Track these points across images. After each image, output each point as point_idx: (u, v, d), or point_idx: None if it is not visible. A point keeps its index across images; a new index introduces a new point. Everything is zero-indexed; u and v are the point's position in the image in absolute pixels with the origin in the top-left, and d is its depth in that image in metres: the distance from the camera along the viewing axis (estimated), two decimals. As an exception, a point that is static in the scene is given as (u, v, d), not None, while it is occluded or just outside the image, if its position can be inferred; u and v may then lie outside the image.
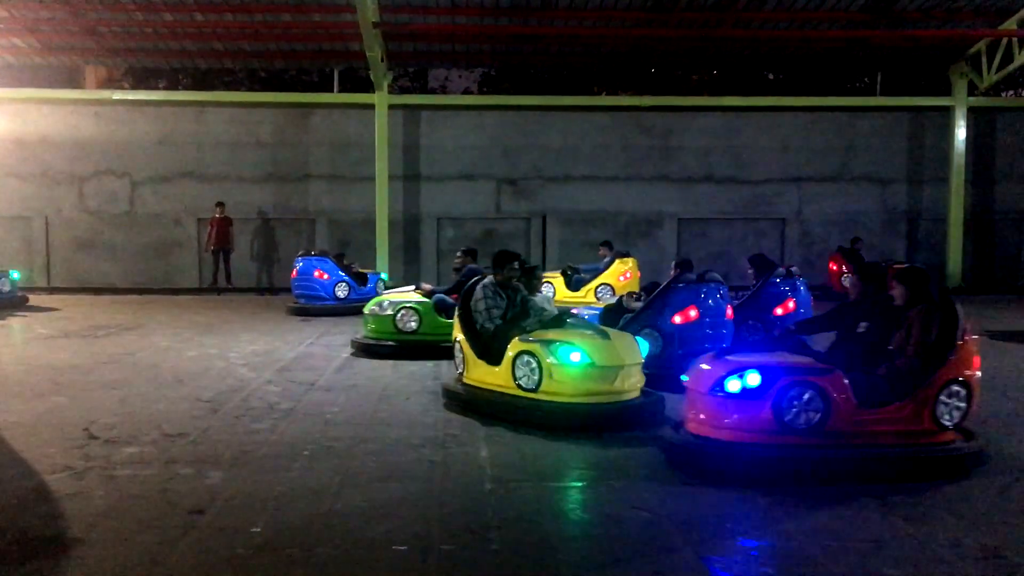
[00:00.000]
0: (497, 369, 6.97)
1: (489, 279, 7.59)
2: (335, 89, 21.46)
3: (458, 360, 7.53)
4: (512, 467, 5.57)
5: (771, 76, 27.49)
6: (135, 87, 24.61)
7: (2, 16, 17.57)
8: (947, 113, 20.45)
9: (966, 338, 5.54)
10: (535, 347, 6.66)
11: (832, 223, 20.91)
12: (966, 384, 5.45)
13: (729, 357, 5.56)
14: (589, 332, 6.86)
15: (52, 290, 18.81)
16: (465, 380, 7.34)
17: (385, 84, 19.39)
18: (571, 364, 6.49)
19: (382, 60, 18.70)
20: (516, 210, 20.75)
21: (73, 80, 22.09)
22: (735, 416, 5.30)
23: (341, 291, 14.97)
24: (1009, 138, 21.04)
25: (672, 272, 9.09)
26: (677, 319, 8.40)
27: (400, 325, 10.27)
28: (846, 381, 5.26)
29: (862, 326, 5.94)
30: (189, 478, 5.28)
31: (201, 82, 24.80)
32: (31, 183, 19.91)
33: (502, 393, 6.89)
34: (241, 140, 20.25)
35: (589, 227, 20.67)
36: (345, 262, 15.58)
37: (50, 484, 5.13)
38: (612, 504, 4.89)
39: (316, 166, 20.40)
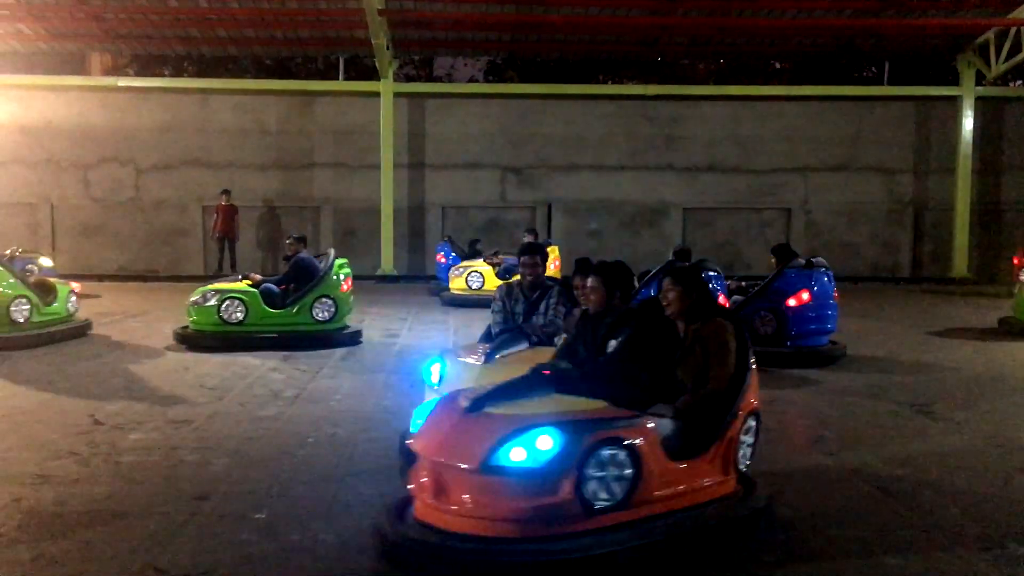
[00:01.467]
0: None
1: (515, 279, 6.58)
2: (340, 77, 21.42)
3: None
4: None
5: (777, 65, 27.37)
6: (140, 74, 24.61)
7: (8, 2, 17.56)
8: (954, 103, 20.36)
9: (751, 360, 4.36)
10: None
11: (838, 213, 20.86)
12: (758, 416, 4.37)
13: (493, 409, 3.80)
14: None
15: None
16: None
17: (390, 72, 19.36)
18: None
19: (387, 48, 18.67)
20: (521, 199, 20.72)
21: (78, 67, 22.07)
22: (520, 502, 3.52)
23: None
24: (1017, 128, 20.94)
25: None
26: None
27: (225, 316, 9.80)
28: (654, 429, 3.78)
29: (612, 344, 4.45)
30: (193, 464, 5.30)
31: (206, 69, 24.77)
32: (36, 170, 19.93)
33: None
34: (246, 127, 20.24)
35: (594, 216, 20.66)
36: (478, 248, 16.02)
37: (55, 470, 5.15)
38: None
39: (321, 154, 20.39)
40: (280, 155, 20.35)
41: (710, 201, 20.83)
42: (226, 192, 18.76)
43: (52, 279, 11.18)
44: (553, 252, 14.74)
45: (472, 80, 28.27)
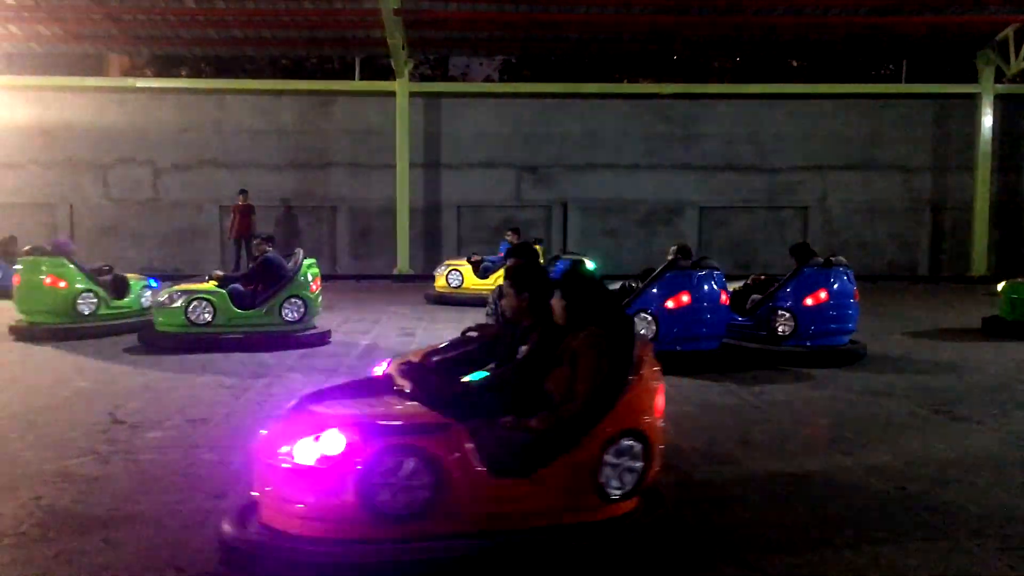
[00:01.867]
0: None
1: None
2: (356, 77, 21.47)
3: None
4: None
5: (794, 63, 27.23)
6: (158, 75, 24.72)
7: (27, 3, 17.69)
8: (973, 100, 20.21)
9: (643, 372, 3.96)
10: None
11: (856, 211, 20.75)
12: (642, 436, 3.83)
13: (315, 406, 3.80)
14: None
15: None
16: None
17: (406, 72, 19.40)
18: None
19: (403, 48, 18.70)
20: (537, 198, 20.72)
21: (96, 68, 22.22)
22: (311, 499, 3.52)
23: None
24: (1037, 126, 20.77)
25: (669, 257, 8.88)
26: (670, 304, 8.49)
27: (192, 317, 9.60)
28: (469, 442, 3.57)
29: (521, 351, 4.23)
30: (211, 463, 5.33)
31: (223, 70, 24.89)
32: (55, 170, 20.08)
33: None
34: (262, 128, 20.32)
35: (610, 215, 20.63)
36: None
37: (75, 468, 5.20)
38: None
39: (337, 154, 20.45)
40: (296, 155, 20.42)
41: (727, 200, 20.76)
42: (243, 192, 18.82)
43: (131, 275, 11.82)
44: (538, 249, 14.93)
45: (487, 79, 28.27)
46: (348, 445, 3.47)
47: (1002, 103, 20.38)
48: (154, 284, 11.76)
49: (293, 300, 10.01)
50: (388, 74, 19.99)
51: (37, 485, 4.87)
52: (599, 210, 20.65)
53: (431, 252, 20.38)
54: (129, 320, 10.96)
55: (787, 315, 9.05)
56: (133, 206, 20.28)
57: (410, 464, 3.47)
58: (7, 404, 6.94)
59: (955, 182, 20.73)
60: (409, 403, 3.81)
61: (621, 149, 20.62)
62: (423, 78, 25.49)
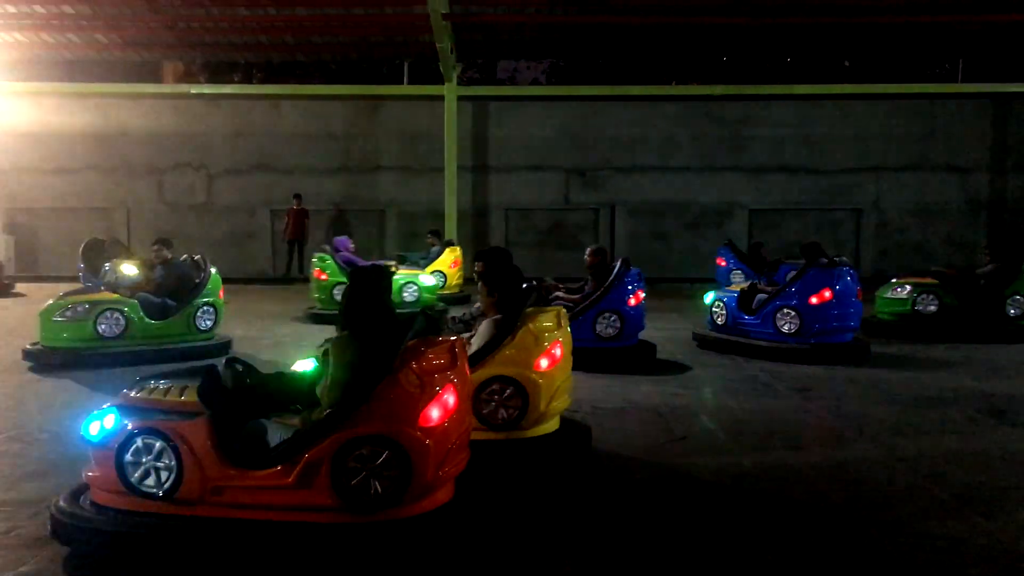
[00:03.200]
0: None
1: None
2: (405, 81, 21.64)
3: None
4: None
5: (847, 63, 26.84)
6: (211, 81, 25.16)
7: (85, 12, 18.12)
8: (1033, 99, 19.74)
9: (408, 375, 3.86)
10: None
11: (911, 213, 20.37)
12: (396, 446, 3.77)
13: (130, 391, 4.20)
14: None
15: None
16: None
17: (454, 76, 19.51)
18: None
19: (451, 52, 18.81)
20: (585, 201, 20.68)
21: (152, 75, 22.69)
22: (97, 472, 3.98)
23: (735, 278, 14.11)
24: (1100, 125, 20.20)
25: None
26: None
27: (103, 331, 8.82)
28: (209, 430, 3.85)
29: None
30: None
31: (274, 76, 25.24)
32: (112, 176, 20.54)
33: None
34: (313, 132, 20.58)
35: (659, 218, 20.52)
36: (761, 251, 15.08)
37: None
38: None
39: (386, 157, 20.62)
40: (346, 159, 20.64)
41: (778, 202, 20.52)
42: (297, 197, 19.06)
43: None
44: (455, 252, 15.34)
45: (535, 82, 28.32)
46: (115, 424, 3.94)
47: (1063, 102, 19.87)
48: None
49: (206, 307, 9.50)
50: (437, 78, 20.13)
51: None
52: (648, 213, 20.54)
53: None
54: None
55: (792, 313, 9.31)
56: (187, 210, 20.66)
57: (155, 445, 3.85)
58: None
59: (1013, 183, 20.26)
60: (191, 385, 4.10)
61: (669, 151, 20.50)
62: (471, 82, 25.60)
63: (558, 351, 5.30)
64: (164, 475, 3.85)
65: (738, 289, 10.13)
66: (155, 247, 9.56)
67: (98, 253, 11.15)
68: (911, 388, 7.86)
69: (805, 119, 20.41)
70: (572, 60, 26.25)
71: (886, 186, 20.43)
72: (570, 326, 5.79)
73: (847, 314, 9.36)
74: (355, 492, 3.76)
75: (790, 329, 9.30)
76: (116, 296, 9.05)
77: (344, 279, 11.70)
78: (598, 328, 8.79)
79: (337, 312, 4.20)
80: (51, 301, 9.04)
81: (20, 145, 20.12)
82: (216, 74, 26.20)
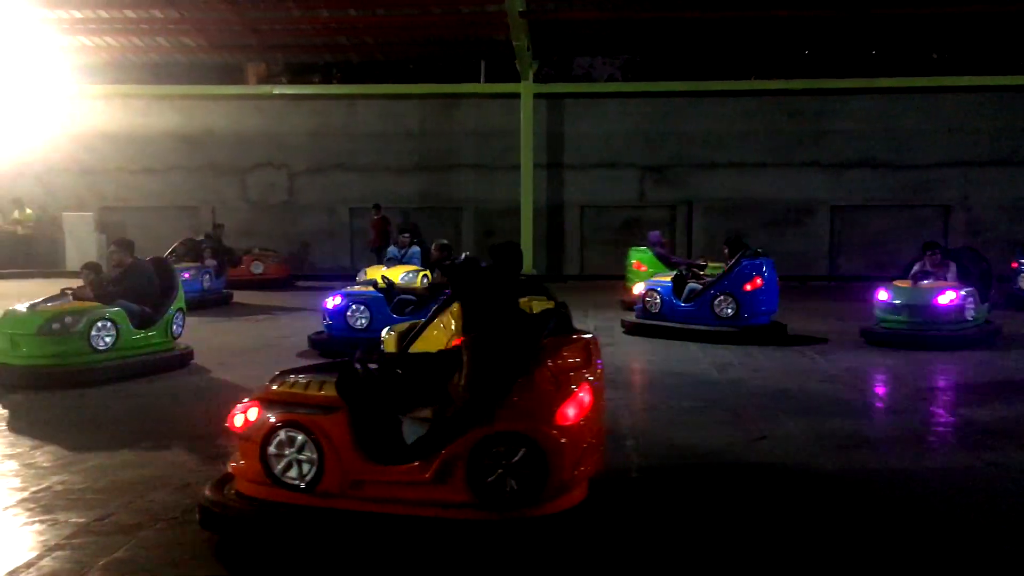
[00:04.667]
0: None
1: None
2: (481, 79, 21.71)
3: None
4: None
5: (933, 55, 25.98)
6: (292, 82, 25.63)
7: (173, 16, 18.66)
8: None
9: (544, 373, 3.88)
10: None
11: (1001, 209, 19.61)
12: (533, 444, 3.75)
13: (273, 384, 4.27)
14: None
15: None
16: None
17: (531, 73, 19.52)
18: None
19: (528, 49, 18.81)
20: (660, 198, 20.47)
21: (235, 76, 23.21)
22: (242, 463, 4.09)
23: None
24: None
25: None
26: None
27: (94, 343, 8.03)
28: (348, 424, 3.92)
29: None
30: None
31: (352, 76, 25.59)
32: (197, 175, 21.11)
33: None
34: (390, 131, 20.81)
35: (736, 215, 20.15)
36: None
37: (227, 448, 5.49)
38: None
39: (462, 155, 20.74)
40: (423, 157, 20.82)
41: (860, 199, 19.98)
42: (377, 207, 19.08)
43: None
44: None
45: (610, 78, 28.11)
46: (257, 416, 4.03)
47: None
48: None
49: (179, 313, 8.99)
50: (512, 76, 20.16)
51: (192, 462, 5.20)
52: (725, 210, 20.21)
53: (554, 253, 20.42)
54: None
55: (730, 299, 10.57)
56: (269, 209, 21.10)
57: (297, 438, 3.92)
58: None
59: (1112, 177, 19.34)
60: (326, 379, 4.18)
61: (747, 147, 20.13)
62: (546, 78, 25.57)
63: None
64: (306, 468, 3.92)
65: (670, 279, 11.30)
66: (111, 249, 8.92)
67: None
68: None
69: (889, 113, 19.82)
70: (648, 56, 25.99)
71: (975, 182, 19.71)
72: None
73: (771, 300, 10.78)
74: (491, 489, 3.76)
75: (727, 314, 10.53)
76: (96, 304, 8.20)
77: (664, 271, 12.86)
78: None
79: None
80: (19, 313, 8.05)
81: (109, 146, 20.80)
82: (297, 75, 26.66)
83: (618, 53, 23.65)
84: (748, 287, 10.55)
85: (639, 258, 14.03)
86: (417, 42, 20.18)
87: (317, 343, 9.63)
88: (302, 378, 4.23)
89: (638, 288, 11.84)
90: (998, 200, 19.62)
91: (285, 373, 4.38)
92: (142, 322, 8.50)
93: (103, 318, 8.11)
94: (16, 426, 6.38)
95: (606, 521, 4.19)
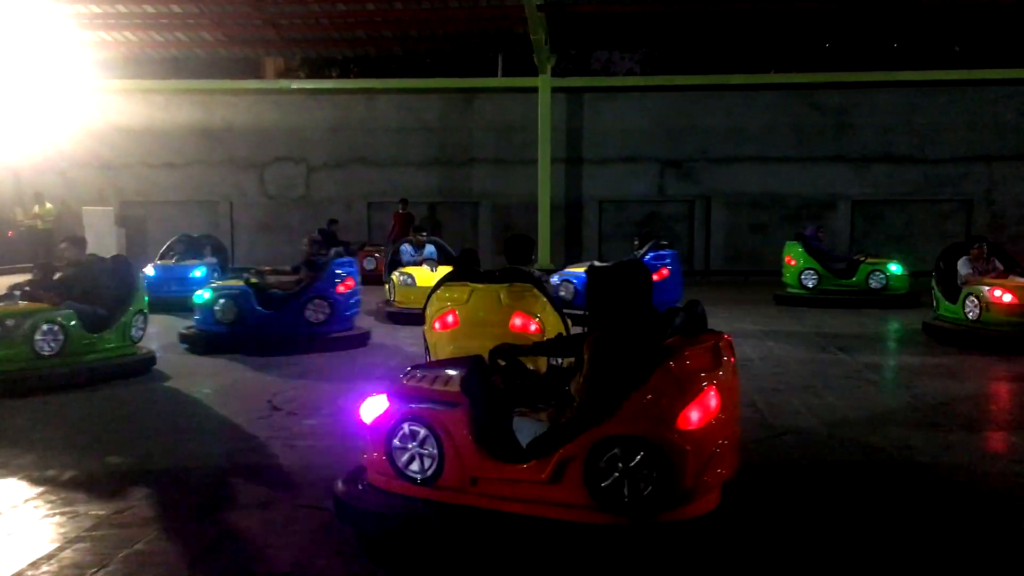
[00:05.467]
0: None
1: (533, 269, 6.77)
2: (499, 73, 21.65)
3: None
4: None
5: (956, 48, 25.72)
6: (310, 76, 25.70)
7: (192, 11, 18.72)
8: None
9: (666, 374, 3.62)
10: None
11: (1026, 205, 19.39)
12: (652, 447, 3.56)
13: (403, 377, 4.27)
14: None
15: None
16: None
17: (548, 67, 19.44)
18: None
19: (545, 43, 18.74)
20: (680, 192, 20.35)
21: (254, 71, 23.29)
22: (372, 454, 4.09)
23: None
24: None
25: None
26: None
27: (38, 348, 7.44)
28: (469, 420, 3.86)
29: None
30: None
31: (370, 70, 25.61)
32: (218, 169, 21.16)
33: None
34: (408, 125, 20.79)
35: (756, 210, 20.02)
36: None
37: (238, 452, 5.48)
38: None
39: (480, 150, 20.69)
40: (441, 152, 20.79)
41: (883, 193, 19.79)
42: (403, 201, 19.05)
43: None
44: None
45: (629, 72, 28.02)
46: (385, 409, 4.02)
47: None
48: None
49: (139, 315, 8.41)
50: (530, 70, 20.09)
51: (203, 466, 5.17)
52: (745, 205, 20.07)
53: (572, 247, 20.35)
54: None
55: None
56: (287, 203, 21.14)
57: (420, 432, 3.89)
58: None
59: None
60: (453, 373, 4.12)
61: (768, 141, 19.98)
62: (563, 72, 25.48)
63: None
64: (427, 462, 3.89)
65: (584, 270, 11.47)
66: (62, 246, 8.35)
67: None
68: None
69: (912, 107, 19.61)
70: (667, 49, 25.87)
71: (999, 176, 19.48)
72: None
73: (676, 289, 11.75)
74: (608, 492, 3.61)
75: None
76: (42, 306, 7.62)
77: (814, 265, 13.69)
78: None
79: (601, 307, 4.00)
80: None
81: (129, 141, 20.89)
82: (315, 69, 26.73)
83: (637, 47, 23.55)
84: (655, 277, 10.76)
85: (790, 252, 14.20)
86: (435, 36, 20.14)
87: (186, 338, 9.52)
88: (431, 372, 4.23)
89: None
90: (1021, 195, 19.38)
91: (417, 367, 4.38)
92: (95, 325, 7.88)
93: (49, 321, 7.48)
94: None
95: (740, 528, 3.97)
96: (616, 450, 3.59)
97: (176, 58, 21.61)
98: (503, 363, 4.22)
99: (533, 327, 5.63)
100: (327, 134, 20.96)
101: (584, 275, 11.12)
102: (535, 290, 5.79)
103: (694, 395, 3.64)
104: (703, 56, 25.76)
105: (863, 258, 14.03)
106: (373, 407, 4.08)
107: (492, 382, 4.08)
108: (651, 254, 11.89)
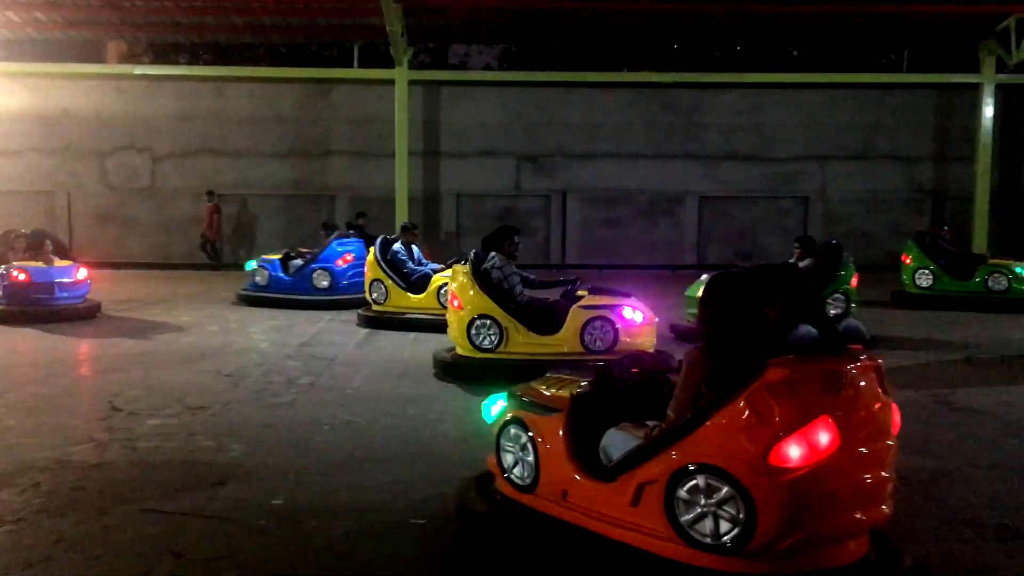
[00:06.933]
0: (556, 337, 7.49)
1: (496, 255, 7.69)
2: (355, 64, 21.37)
3: (487, 337, 7.49)
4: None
5: (796, 52, 27.13)
6: (156, 62, 24.62)
7: (26, -10, 17.60)
8: (975, 90, 20.11)
9: (759, 397, 3.08)
10: (604, 312, 7.50)
11: (857, 202, 20.69)
12: (730, 480, 3.08)
13: (550, 376, 4.25)
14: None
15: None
16: (508, 350, 7.48)
17: (405, 60, 19.30)
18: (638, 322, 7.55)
19: (402, 35, 18.60)
20: (536, 187, 20.66)
21: (95, 55, 22.12)
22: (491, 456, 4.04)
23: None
24: (1038, 116, 20.68)
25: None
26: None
27: None
28: (564, 429, 3.68)
29: None
30: (210, 451, 5.30)
31: (221, 57, 24.78)
32: (54, 158, 20.00)
33: (565, 358, 7.30)
34: (261, 116, 20.26)
35: (611, 205, 20.57)
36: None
37: (74, 455, 5.18)
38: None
39: (336, 142, 20.39)
40: (296, 143, 20.36)
41: (729, 190, 20.71)
42: (210, 193, 18.94)
43: None
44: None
45: (487, 67, 28.16)
46: (499, 410, 4.02)
47: (1003, 93, 20.29)
48: None
49: None
50: (387, 62, 19.91)
51: (36, 472, 4.85)
52: (599, 200, 20.58)
53: (430, 240, 20.31)
54: None
55: (326, 273, 12.45)
56: (131, 194, 20.22)
57: (521, 436, 3.80)
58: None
59: (956, 172, 20.67)
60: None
61: (622, 138, 20.55)
62: (422, 66, 25.38)
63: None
64: (527, 469, 3.76)
65: (277, 257, 12.92)
66: None
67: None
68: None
69: (755, 107, 20.60)
70: (525, 45, 26.17)
71: (833, 175, 20.73)
72: None
73: (359, 274, 11.94)
74: (687, 526, 3.18)
75: (323, 286, 12.42)
76: None
77: (928, 265, 13.11)
78: None
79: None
80: None
81: (-45, 126, 19.50)
82: (161, 55, 25.62)
83: (494, 42, 23.70)
84: (340, 263, 12.57)
85: (906, 250, 13.64)
86: (289, 24, 19.63)
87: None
88: (561, 377, 4.11)
89: None
90: (853, 192, 20.68)
91: (554, 374, 4.30)
92: None
93: None
94: None
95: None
96: (698, 480, 3.15)
97: (9, 40, 20.23)
98: (636, 371, 3.89)
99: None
100: (174, 123, 20.15)
101: (279, 261, 12.78)
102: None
103: (795, 427, 3.04)
104: (561, 53, 26.18)
105: (989, 256, 13.45)
106: (494, 407, 4.07)
107: (612, 393, 3.83)
108: (336, 240, 12.82)
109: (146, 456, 5.18)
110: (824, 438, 3.02)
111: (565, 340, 7.45)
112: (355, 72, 20.85)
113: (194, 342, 9.39)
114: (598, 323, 7.46)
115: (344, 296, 12.33)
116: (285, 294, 12.42)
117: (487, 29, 20.47)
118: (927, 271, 13.14)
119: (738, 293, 3.40)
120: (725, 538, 3.10)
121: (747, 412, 3.08)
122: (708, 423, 3.16)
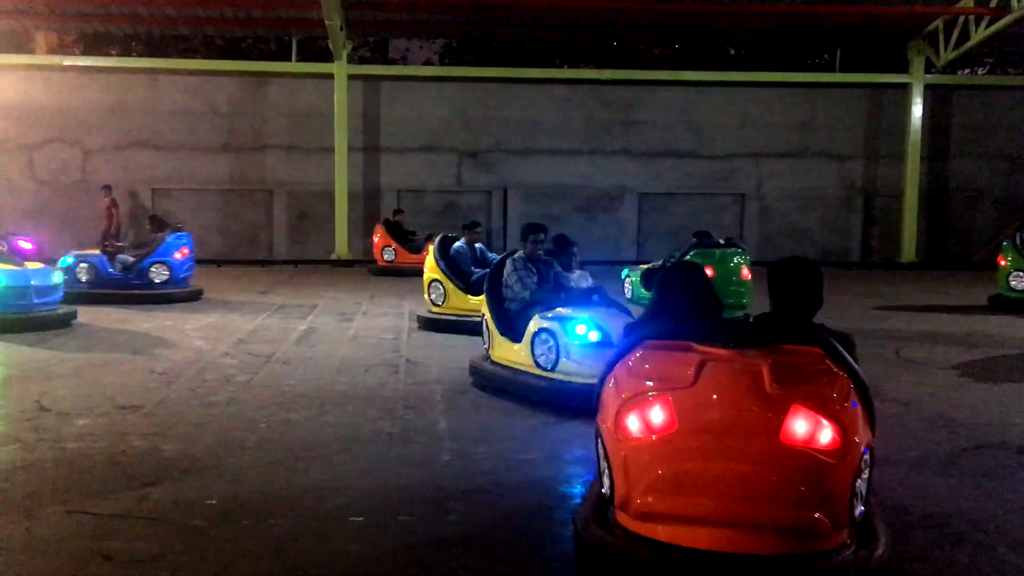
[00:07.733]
0: (517, 347, 6.72)
1: (519, 253, 7.32)
2: (293, 58, 21.11)
3: (485, 337, 7.26)
4: (471, 439, 5.53)
5: (732, 51, 27.54)
6: (86, 53, 24.00)
7: (-54, -23, 17.01)
8: (904, 90, 20.68)
9: (622, 371, 3.48)
10: (553, 324, 6.37)
11: (791, 199, 21.13)
12: (599, 440, 3.54)
13: None
14: (613, 311, 6.63)
15: None
16: (492, 358, 7.08)
17: (344, 54, 19.14)
18: (587, 343, 6.19)
19: (341, 29, 18.42)
20: (477, 183, 20.66)
21: (22, 45, 21.48)
22: None
23: None
24: (964, 115, 21.33)
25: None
26: None
27: None
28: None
29: None
30: (142, 450, 5.18)
31: (155, 49, 24.26)
32: (-23, 151, 19.39)
33: (522, 372, 6.60)
34: (196, 109, 19.89)
35: (550, 200, 20.67)
36: None
37: (-2, 457, 5.03)
38: (567, 480, 4.89)
39: (274, 136, 20.12)
40: (231, 137, 20.04)
41: (666, 186, 20.95)
42: (107, 187, 18.57)
43: None
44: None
45: (427, 63, 28.05)
46: None
47: (932, 93, 20.90)
48: None
49: None
50: (326, 56, 19.70)
51: (-43, 475, 4.70)
52: (539, 195, 20.67)
53: (370, 237, 20.17)
54: None
55: (164, 267, 12.54)
56: (61, 188, 19.70)
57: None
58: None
59: (886, 170, 21.22)
60: None
61: (562, 135, 20.65)
62: (362, 60, 25.18)
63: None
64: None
65: (95, 252, 12.85)
66: None
67: None
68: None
69: (692, 105, 20.88)
70: (466, 41, 26.11)
71: (767, 172, 21.10)
72: None
73: (192, 267, 13.00)
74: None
75: (163, 278, 12.49)
76: None
77: (1023, 267, 12.33)
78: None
79: None
80: None
81: None
82: (92, 46, 24.98)
83: (435, 36, 23.59)
84: (178, 256, 12.72)
85: (1003, 252, 12.88)
86: (224, 16, 19.31)
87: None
88: None
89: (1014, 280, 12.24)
90: (787, 189, 21.09)
91: None
92: None
93: None
94: None
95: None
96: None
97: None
98: None
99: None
100: (105, 115, 19.69)
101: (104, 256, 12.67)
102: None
103: (634, 401, 3.26)
104: (501, 49, 26.19)
105: None
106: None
107: None
108: (173, 236, 12.87)
109: (74, 457, 5.04)
110: (658, 417, 3.19)
111: (521, 351, 6.68)
112: (293, 66, 20.61)
113: (126, 339, 9.18)
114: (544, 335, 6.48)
115: (180, 290, 12.63)
116: (118, 290, 12.35)
117: (427, 24, 20.38)
118: (1021, 273, 12.36)
119: (679, 286, 3.87)
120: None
121: (614, 381, 3.45)
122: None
